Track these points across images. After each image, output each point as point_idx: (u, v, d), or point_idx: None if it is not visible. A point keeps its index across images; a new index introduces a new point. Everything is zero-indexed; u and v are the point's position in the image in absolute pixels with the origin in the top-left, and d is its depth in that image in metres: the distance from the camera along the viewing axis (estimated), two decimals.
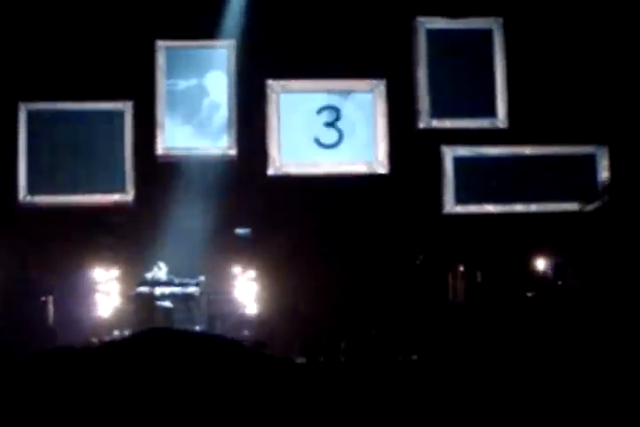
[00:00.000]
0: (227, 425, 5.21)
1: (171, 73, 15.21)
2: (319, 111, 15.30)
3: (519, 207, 15.22)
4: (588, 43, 15.16)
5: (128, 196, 14.88)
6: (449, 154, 15.33)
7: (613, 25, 15.13)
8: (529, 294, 13.62)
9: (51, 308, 13.72)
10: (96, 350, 5.15)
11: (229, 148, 15.15)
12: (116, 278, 13.93)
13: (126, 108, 15.02)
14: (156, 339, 5.19)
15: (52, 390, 4.86)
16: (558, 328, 11.89)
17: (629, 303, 13.14)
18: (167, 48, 15.20)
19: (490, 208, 15.20)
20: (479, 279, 13.95)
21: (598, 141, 15.21)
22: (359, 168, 15.24)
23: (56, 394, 4.85)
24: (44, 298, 13.78)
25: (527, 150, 15.31)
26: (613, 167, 15.20)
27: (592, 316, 12.50)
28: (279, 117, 15.21)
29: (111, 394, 4.86)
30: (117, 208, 14.79)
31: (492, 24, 15.47)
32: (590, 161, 15.31)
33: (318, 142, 15.25)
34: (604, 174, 15.23)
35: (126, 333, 13.42)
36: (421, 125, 15.34)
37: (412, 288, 12.78)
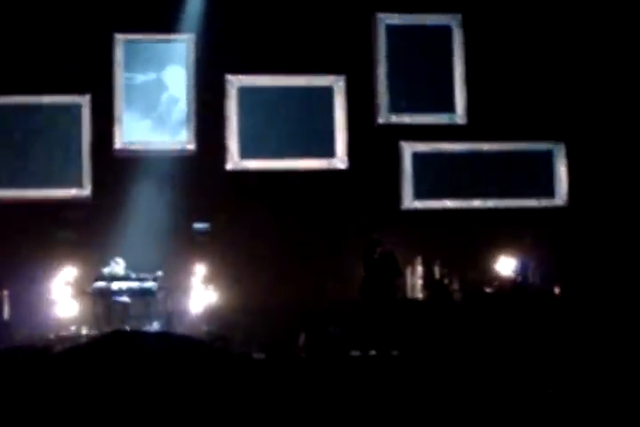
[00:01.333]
0: (189, 422, 5.20)
1: (129, 66, 15.11)
2: (278, 106, 15.27)
3: (477, 203, 15.32)
4: (545, 40, 15.30)
5: (85, 190, 14.79)
6: (408, 149, 15.38)
7: (571, 23, 15.26)
8: (487, 290, 13.69)
9: (6, 303, 13.59)
10: (58, 356, 5.12)
11: (188, 142, 15.09)
12: (73, 273, 13.80)
13: (84, 101, 14.90)
14: (117, 343, 5.16)
15: (14, 394, 4.83)
16: (517, 324, 11.96)
17: (589, 298, 13.27)
18: (125, 41, 15.10)
19: (448, 204, 15.28)
20: (437, 275, 14.01)
21: (555, 138, 15.35)
22: (318, 163, 15.23)
23: (16, 397, 4.81)
24: None
25: (485, 146, 15.41)
26: (570, 164, 15.34)
27: (552, 312, 12.60)
28: (238, 112, 15.18)
29: (73, 397, 4.84)
30: (74, 203, 14.68)
31: (451, 20, 15.55)
32: (547, 157, 15.44)
33: (277, 137, 15.22)
34: (561, 171, 15.37)
35: (83, 328, 13.36)
36: (380, 121, 15.38)
37: (370, 283, 12.79)
